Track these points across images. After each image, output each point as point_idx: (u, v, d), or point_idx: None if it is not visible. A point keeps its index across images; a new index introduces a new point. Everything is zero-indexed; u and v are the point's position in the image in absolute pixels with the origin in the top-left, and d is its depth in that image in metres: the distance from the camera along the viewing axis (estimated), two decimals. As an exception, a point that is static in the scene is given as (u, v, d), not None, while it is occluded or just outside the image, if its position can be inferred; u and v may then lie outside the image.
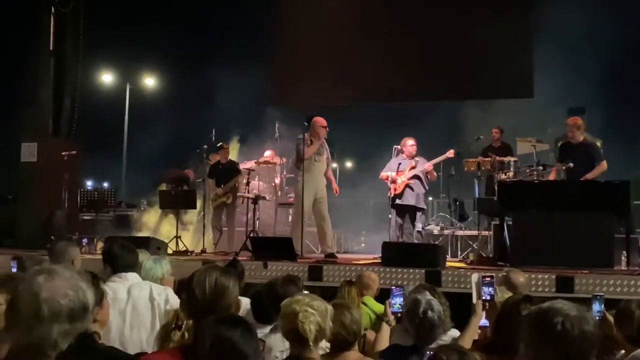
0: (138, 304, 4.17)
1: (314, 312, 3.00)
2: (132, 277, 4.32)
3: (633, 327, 3.50)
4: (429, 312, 3.74)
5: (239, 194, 10.63)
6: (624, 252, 7.76)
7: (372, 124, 19.25)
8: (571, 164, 8.30)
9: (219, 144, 11.17)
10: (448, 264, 7.90)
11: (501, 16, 11.89)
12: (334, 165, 22.83)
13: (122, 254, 4.40)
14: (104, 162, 21.15)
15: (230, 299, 2.88)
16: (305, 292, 4.84)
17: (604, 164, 8.53)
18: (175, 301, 4.14)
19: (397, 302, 4.48)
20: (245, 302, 4.58)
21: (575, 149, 8.65)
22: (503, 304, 3.63)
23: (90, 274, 3.00)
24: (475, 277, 4.20)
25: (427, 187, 10.17)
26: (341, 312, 3.47)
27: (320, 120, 9.43)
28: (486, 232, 9.88)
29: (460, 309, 5.28)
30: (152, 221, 11.59)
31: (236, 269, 5.51)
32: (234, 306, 2.92)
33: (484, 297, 4.13)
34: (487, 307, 4.10)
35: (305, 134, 9.29)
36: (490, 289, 4.13)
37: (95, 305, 2.78)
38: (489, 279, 4.14)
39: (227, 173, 10.74)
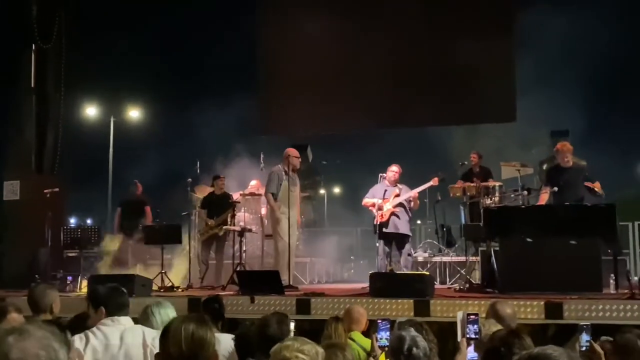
0: (131, 350, 3.97)
1: (304, 358, 2.92)
2: (125, 321, 4.12)
3: None
4: (414, 348, 3.65)
5: (224, 227, 10.54)
6: (612, 274, 7.74)
7: (359, 152, 19.32)
8: (555, 188, 8.30)
9: (215, 175, 11.10)
10: (437, 292, 7.83)
11: (483, 42, 11.97)
12: (322, 191, 22.94)
13: (112, 296, 4.20)
14: (90, 197, 21.02)
15: (209, 352, 2.78)
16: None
17: (598, 188, 8.59)
18: None
19: (383, 336, 4.41)
20: (227, 341, 4.50)
21: (566, 173, 8.67)
22: (490, 339, 3.57)
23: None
24: (460, 314, 4.15)
25: (410, 215, 10.17)
26: (333, 353, 3.40)
27: (293, 151, 9.55)
28: (474, 258, 9.84)
29: (450, 339, 5.23)
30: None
31: (219, 305, 5.42)
32: (212, 357, 2.81)
33: (468, 335, 4.08)
34: (471, 345, 4.05)
35: (279, 166, 9.50)
36: (475, 326, 4.07)
37: None
38: (473, 316, 4.08)
39: (221, 205, 10.63)
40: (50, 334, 2.05)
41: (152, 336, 4.00)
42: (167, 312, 4.37)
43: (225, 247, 10.85)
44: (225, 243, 10.88)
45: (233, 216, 10.42)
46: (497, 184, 9.91)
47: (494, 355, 3.26)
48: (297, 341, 3.02)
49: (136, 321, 4.32)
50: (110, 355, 3.92)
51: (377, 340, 4.45)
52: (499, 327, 4.17)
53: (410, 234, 10.21)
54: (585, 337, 4.10)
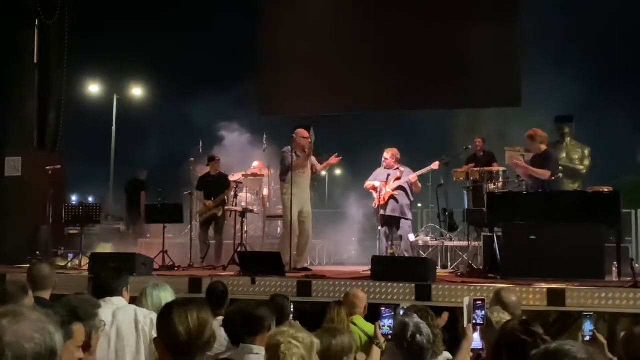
0: (122, 327, 4.16)
1: (297, 345, 2.91)
2: (118, 301, 4.32)
3: None
4: (418, 335, 3.63)
5: (226, 207, 10.51)
6: (615, 262, 7.71)
7: (361, 134, 19.23)
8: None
9: (210, 156, 11.06)
10: (438, 276, 7.80)
11: (488, 26, 11.88)
12: (323, 173, 22.91)
13: (109, 279, 4.41)
14: (92, 174, 20.98)
15: (210, 333, 2.80)
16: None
17: (544, 172, 8.36)
18: None
19: (386, 323, 4.38)
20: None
21: (537, 159, 8.62)
22: (501, 330, 3.51)
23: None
24: (466, 300, 4.11)
25: (412, 198, 10.11)
26: (332, 335, 3.42)
27: (301, 132, 9.45)
28: (476, 243, 9.80)
29: (451, 324, 5.22)
30: None
31: (224, 288, 5.45)
32: (212, 342, 2.85)
33: (474, 321, 4.04)
34: (478, 330, 4.02)
35: (290, 147, 9.34)
36: (482, 312, 4.04)
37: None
38: (480, 302, 4.05)
39: (217, 185, 10.60)
40: (45, 316, 2.01)
41: (144, 314, 4.21)
42: (159, 295, 4.50)
43: (227, 228, 10.84)
44: (226, 223, 10.88)
45: (235, 196, 10.40)
46: (501, 169, 9.84)
47: (504, 346, 3.20)
48: (293, 328, 3.03)
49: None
50: (103, 333, 3.97)
51: (380, 328, 4.42)
52: (507, 315, 4.13)
53: (410, 217, 10.14)
54: (588, 327, 4.08)
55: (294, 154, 9.20)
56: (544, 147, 8.53)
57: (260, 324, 3.78)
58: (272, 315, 3.92)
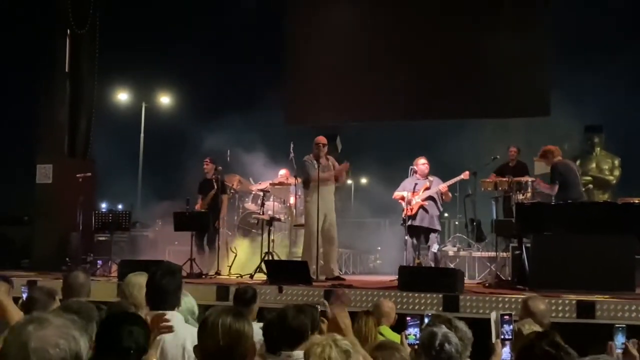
0: (169, 350, 3.63)
1: (332, 346, 2.84)
2: (173, 317, 3.70)
3: None
4: (446, 344, 3.59)
5: (254, 215, 10.52)
6: (645, 274, 7.61)
7: (389, 143, 19.22)
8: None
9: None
10: (466, 287, 7.76)
11: (517, 34, 11.79)
12: (349, 182, 22.91)
13: (168, 287, 3.78)
14: (120, 181, 21.18)
15: (247, 345, 2.74)
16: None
17: (548, 187, 8.53)
18: None
19: (412, 332, 4.35)
20: (257, 331, 4.53)
21: None
22: (521, 342, 3.49)
23: None
24: (493, 315, 4.08)
25: (441, 209, 10.09)
26: (391, 354, 3.40)
27: (317, 139, 9.44)
28: (504, 254, 9.72)
29: (480, 335, 5.18)
30: None
31: (253, 295, 5.43)
32: (250, 352, 2.78)
33: (503, 337, 4.01)
34: (506, 345, 3.97)
35: (311, 155, 9.41)
36: (510, 327, 4.00)
37: None
38: (507, 317, 4.01)
39: (206, 189, 10.66)
40: (70, 322, 2.04)
41: (194, 342, 3.49)
42: (190, 300, 4.46)
43: (254, 236, 10.87)
44: (253, 231, 10.90)
45: (262, 205, 10.44)
46: (530, 179, 9.76)
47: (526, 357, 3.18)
48: (341, 337, 2.94)
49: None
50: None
51: (406, 338, 4.40)
52: (539, 327, 4.09)
53: (439, 228, 10.12)
54: (620, 339, 4.02)
55: (314, 162, 9.25)
56: (556, 160, 8.52)
57: (301, 335, 3.67)
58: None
